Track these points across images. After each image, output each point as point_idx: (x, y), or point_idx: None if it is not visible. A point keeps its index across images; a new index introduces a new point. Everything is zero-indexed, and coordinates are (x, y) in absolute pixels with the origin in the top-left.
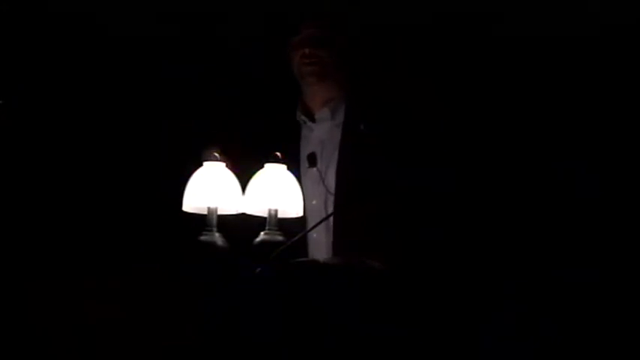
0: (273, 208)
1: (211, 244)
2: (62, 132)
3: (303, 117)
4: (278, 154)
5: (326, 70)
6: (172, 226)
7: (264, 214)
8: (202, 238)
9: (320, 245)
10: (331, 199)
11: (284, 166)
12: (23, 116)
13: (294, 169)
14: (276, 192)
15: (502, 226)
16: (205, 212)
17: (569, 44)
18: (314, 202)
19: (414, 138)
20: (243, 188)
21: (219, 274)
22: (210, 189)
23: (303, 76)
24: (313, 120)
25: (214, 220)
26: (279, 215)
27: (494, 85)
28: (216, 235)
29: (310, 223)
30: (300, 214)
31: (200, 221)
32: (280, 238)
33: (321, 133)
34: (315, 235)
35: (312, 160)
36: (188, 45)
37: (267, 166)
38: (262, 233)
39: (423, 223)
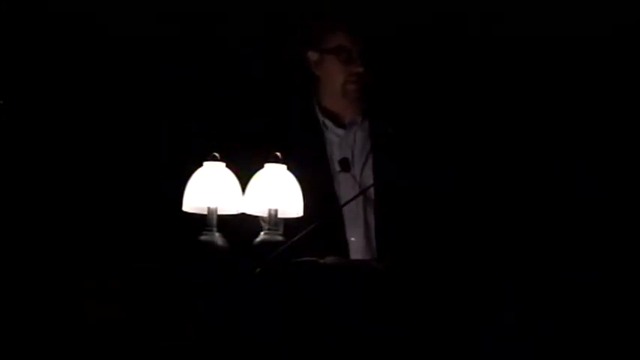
0: (273, 208)
1: (211, 244)
2: (62, 132)
3: (327, 121)
4: (278, 154)
5: (367, 89)
6: (172, 226)
7: (264, 214)
8: (202, 238)
9: (359, 249)
10: (369, 203)
11: (284, 166)
12: (23, 116)
13: (323, 173)
14: (276, 192)
15: (502, 226)
16: (205, 212)
17: (568, 44)
18: (351, 207)
19: (442, 138)
20: (244, 188)
21: (219, 274)
22: (210, 189)
23: (348, 93)
24: (338, 123)
25: (214, 220)
26: (279, 215)
27: (495, 86)
28: (216, 235)
29: (348, 228)
30: (301, 214)
31: (200, 221)
32: (280, 238)
33: (350, 138)
34: (353, 239)
35: (346, 165)
36: (188, 45)
37: (267, 166)
38: (262, 233)
39: (463, 225)
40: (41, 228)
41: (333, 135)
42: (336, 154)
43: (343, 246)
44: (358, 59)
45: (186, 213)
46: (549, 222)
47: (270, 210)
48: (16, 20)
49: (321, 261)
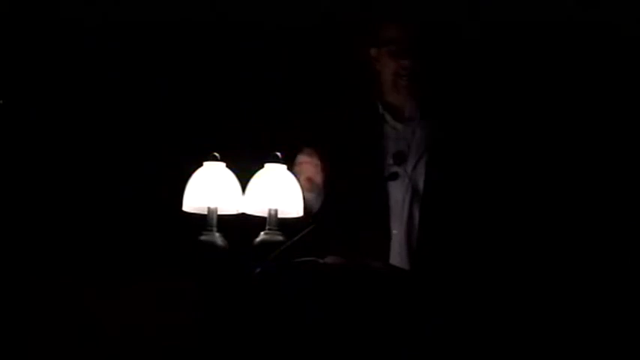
0: (273, 208)
1: (211, 244)
2: (62, 132)
3: (387, 114)
4: (278, 154)
5: (419, 81)
6: (172, 227)
7: (264, 214)
8: (202, 238)
9: (400, 242)
10: (417, 199)
11: (284, 166)
12: (23, 116)
13: (378, 166)
14: (276, 192)
15: (503, 226)
16: (205, 212)
17: (577, 46)
18: (398, 200)
19: (499, 141)
20: (244, 188)
21: (219, 274)
22: (210, 189)
23: (398, 88)
24: (397, 117)
25: (214, 220)
26: (279, 215)
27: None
28: (216, 235)
29: (393, 221)
30: (301, 213)
31: (200, 221)
32: (280, 238)
33: (408, 132)
34: (395, 232)
35: (400, 158)
36: (188, 45)
37: (267, 166)
38: (262, 233)
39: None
40: (41, 228)
41: (391, 129)
42: (391, 148)
43: (385, 237)
44: (407, 52)
45: (186, 213)
46: (549, 222)
47: (270, 210)
48: (16, 20)
49: (321, 261)
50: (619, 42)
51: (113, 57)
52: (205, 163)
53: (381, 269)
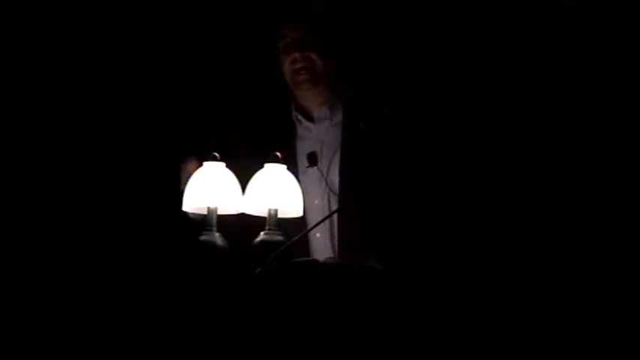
0: (273, 208)
1: (211, 244)
2: (62, 132)
3: (299, 116)
4: (278, 154)
5: (318, 75)
6: (172, 227)
7: (264, 214)
8: (202, 238)
9: (323, 246)
10: (334, 198)
11: (284, 166)
12: (23, 116)
13: (291, 167)
14: (276, 192)
15: (499, 227)
16: (205, 212)
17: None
18: (316, 201)
19: (413, 136)
20: (243, 188)
21: (219, 274)
22: (210, 189)
23: (297, 83)
24: (310, 119)
25: (214, 220)
26: (279, 215)
27: (487, 83)
28: (216, 235)
29: (312, 223)
30: (301, 213)
31: (200, 221)
32: (280, 238)
33: (321, 132)
34: (318, 235)
35: (313, 159)
36: (188, 44)
37: (267, 166)
38: (262, 233)
39: (426, 221)
40: (40, 228)
41: (304, 129)
42: (306, 148)
43: (305, 242)
44: (295, 45)
45: (186, 213)
46: (547, 222)
47: (270, 210)
48: (16, 20)
49: (321, 261)
50: (619, 42)
51: (113, 57)
52: (205, 163)
53: (381, 269)
